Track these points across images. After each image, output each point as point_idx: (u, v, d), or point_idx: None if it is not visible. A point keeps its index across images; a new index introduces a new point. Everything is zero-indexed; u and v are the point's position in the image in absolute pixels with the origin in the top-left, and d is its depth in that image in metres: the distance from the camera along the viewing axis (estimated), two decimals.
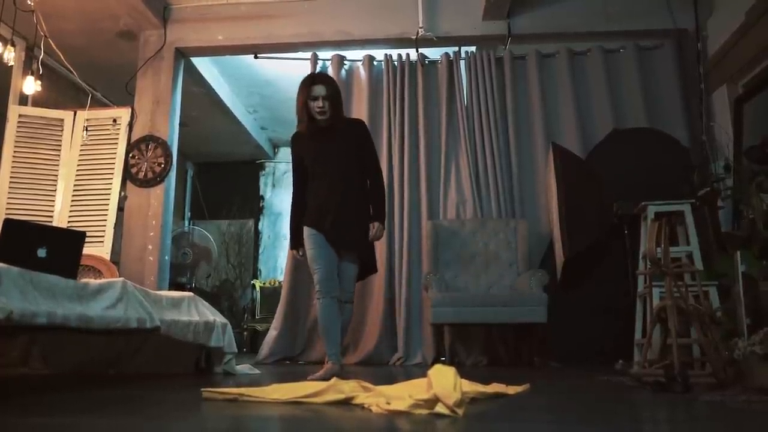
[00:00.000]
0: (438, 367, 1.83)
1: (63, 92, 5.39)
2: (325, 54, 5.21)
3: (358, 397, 1.95)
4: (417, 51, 5.05)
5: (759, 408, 1.93)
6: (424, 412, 1.70)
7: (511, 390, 2.29)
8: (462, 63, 5.10)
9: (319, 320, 3.18)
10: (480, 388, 2.18)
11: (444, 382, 1.73)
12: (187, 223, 8.11)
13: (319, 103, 3.07)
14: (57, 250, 2.34)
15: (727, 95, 4.44)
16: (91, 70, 5.28)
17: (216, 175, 8.40)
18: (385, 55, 5.12)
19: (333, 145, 3.17)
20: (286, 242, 7.27)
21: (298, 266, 4.63)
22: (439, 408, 1.67)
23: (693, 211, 3.75)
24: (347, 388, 2.04)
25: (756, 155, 3.55)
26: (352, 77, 5.22)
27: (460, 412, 1.65)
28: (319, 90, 3.08)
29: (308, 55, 5.18)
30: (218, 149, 7.95)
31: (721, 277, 3.45)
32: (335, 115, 3.14)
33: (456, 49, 5.11)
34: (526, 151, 4.90)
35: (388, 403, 1.79)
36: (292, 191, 3.36)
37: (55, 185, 4.68)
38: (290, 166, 3.40)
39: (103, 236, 4.52)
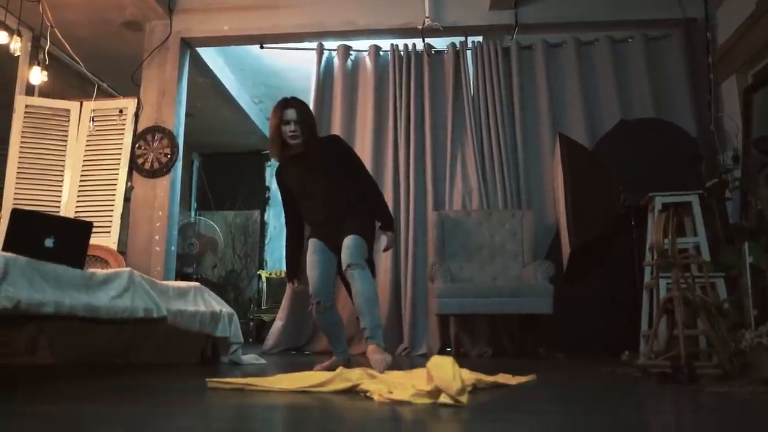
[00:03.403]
0: (436, 358, 1.83)
1: (69, 83, 5.39)
2: (331, 44, 5.19)
3: (363, 384, 1.96)
4: (423, 41, 5.02)
5: (765, 399, 1.92)
6: (427, 401, 1.70)
7: (513, 381, 2.29)
8: (468, 53, 5.06)
9: (319, 327, 3.18)
10: (479, 376, 2.18)
11: (443, 374, 1.73)
12: (193, 213, 8.12)
13: (291, 127, 3.01)
14: (64, 240, 2.34)
15: (736, 85, 4.40)
16: (97, 60, 5.27)
17: (222, 165, 8.40)
18: (391, 45, 5.09)
19: (315, 168, 3.10)
20: None
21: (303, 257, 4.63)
22: (443, 398, 1.67)
23: (700, 202, 3.74)
24: (354, 376, 2.05)
25: (765, 146, 3.52)
26: (358, 67, 5.19)
27: (463, 399, 1.65)
28: (291, 114, 3.02)
29: (314, 45, 5.17)
30: (224, 140, 7.94)
31: (729, 269, 3.44)
32: (308, 140, 3.06)
33: (462, 39, 5.07)
34: (533, 141, 4.88)
35: (390, 392, 1.79)
36: (285, 224, 3.33)
37: (62, 176, 4.68)
38: None
39: (109, 226, 4.53)
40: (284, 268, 7.47)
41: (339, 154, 3.19)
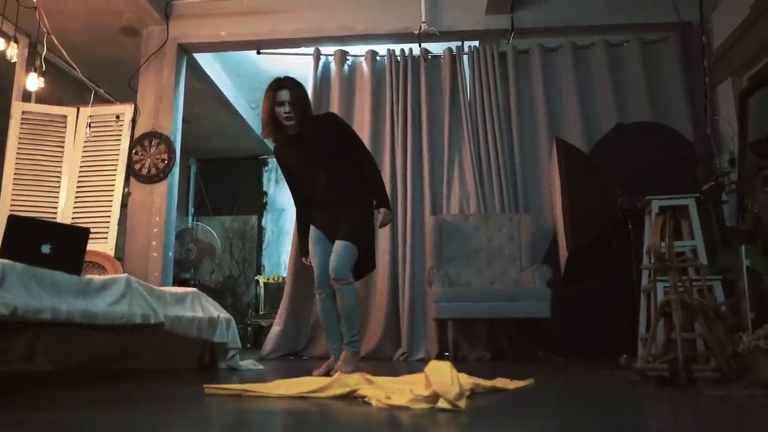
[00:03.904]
0: (433, 363, 1.83)
1: (66, 89, 5.39)
2: (328, 49, 5.20)
3: (361, 389, 1.96)
4: (420, 46, 5.04)
5: (763, 402, 1.93)
6: (425, 406, 1.70)
7: (512, 385, 2.29)
8: (465, 58, 5.08)
9: (319, 314, 3.21)
10: (477, 380, 2.18)
11: (441, 378, 1.73)
12: (190, 219, 8.12)
13: (285, 108, 2.97)
14: (61, 246, 2.34)
15: (731, 88, 4.41)
16: (93, 66, 5.27)
17: (219, 171, 8.40)
18: (388, 50, 5.10)
19: (311, 149, 3.08)
20: (289, 238, 7.27)
21: (301, 262, 4.64)
22: (441, 403, 1.67)
23: (697, 205, 3.74)
24: (352, 381, 2.05)
25: (761, 149, 3.53)
26: (354, 72, 5.20)
27: (461, 404, 1.65)
28: (284, 95, 2.96)
29: (311, 50, 5.18)
30: (221, 145, 7.94)
31: (726, 272, 3.44)
32: (303, 120, 3.03)
33: (459, 43, 5.09)
34: (530, 145, 4.88)
35: (389, 398, 1.79)
36: (293, 201, 3.38)
37: (59, 182, 4.68)
38: None
39: (106, 232, 4.53)
40: (282, 273, 7.54)
41: (335, 131, 3.16)
